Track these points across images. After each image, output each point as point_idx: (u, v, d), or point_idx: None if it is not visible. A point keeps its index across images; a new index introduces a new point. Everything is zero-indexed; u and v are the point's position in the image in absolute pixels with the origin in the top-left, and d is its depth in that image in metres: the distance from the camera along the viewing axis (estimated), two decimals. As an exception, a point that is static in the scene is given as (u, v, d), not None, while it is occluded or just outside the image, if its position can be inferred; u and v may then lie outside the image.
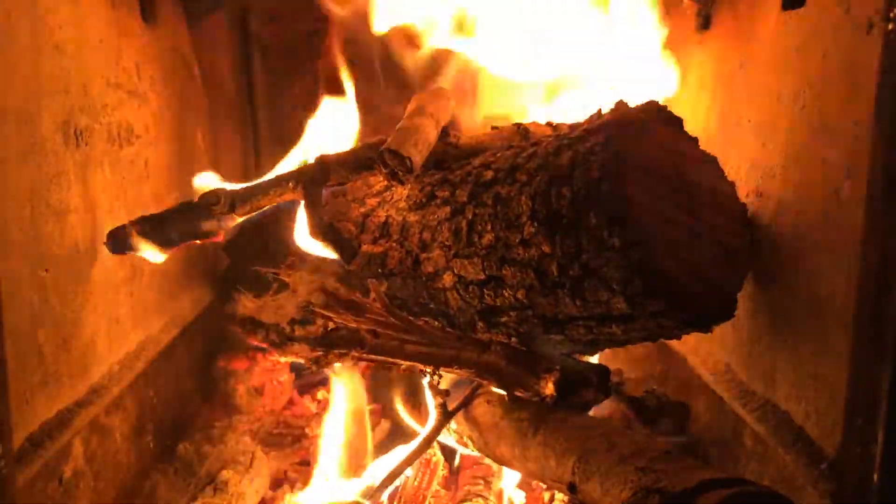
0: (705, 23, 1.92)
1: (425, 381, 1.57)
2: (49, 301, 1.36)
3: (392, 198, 1.77)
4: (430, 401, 1.65)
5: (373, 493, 1.60)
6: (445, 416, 1.60)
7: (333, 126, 1.96)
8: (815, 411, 1.27)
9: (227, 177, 1.72)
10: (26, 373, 1.27)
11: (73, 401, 1.44)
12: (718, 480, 1.05)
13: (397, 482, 1.62)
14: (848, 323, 1.15)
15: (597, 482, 1.22)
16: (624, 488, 1.15)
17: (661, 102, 1.41)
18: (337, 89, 2.01)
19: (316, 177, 1.61)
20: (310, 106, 2.77)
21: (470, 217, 1.55)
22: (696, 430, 1.82)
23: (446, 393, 1.60)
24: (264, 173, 1.78)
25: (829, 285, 1.24)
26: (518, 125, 1.83)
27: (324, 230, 1.51)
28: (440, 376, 1.50)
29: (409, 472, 1.64)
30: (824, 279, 1.26)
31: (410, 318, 1.50)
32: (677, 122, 1.41)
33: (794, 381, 1.35)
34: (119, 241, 1.51)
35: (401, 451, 1.64)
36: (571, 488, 1.28)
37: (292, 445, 2.00)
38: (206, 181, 1.66)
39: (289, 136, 2.74)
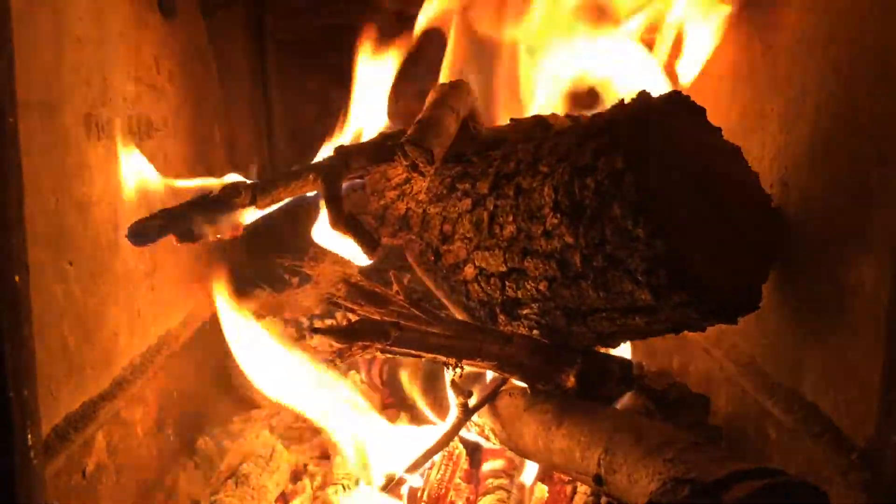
0: (725, 13, 1.90)
1: (448, 377, 1.57)
2: (73, 293, 1.36)
3: (411, 190, 1.76)
4: (451, 395, 1.65)
5: (391, 488, 1.60)
6: (466, 414, 1.59)
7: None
8: (843, 402, 1.26)
9: (241, 171, 1.73)
10: (51, 365, 1.27)
11: (96, 393, 1.45)
12: (749, 471, 1.04)
13: (417, 476, 1.62)
14: (879, 313, 1.14)
15: (624, 474, 1.21)
16: (652, 480, 1.14)
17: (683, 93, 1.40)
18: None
19: (335, 168, 1.61)
20: (323, 101, 2.79)
21: (491, 209, 1.54)
22: (718, 423, 1.80)
23: (469, 393, 1.60)
24: (279, 168, 1.78)
25: (858, 275, 1.23)
26: (537, 117, 1.82)
27: (345, 222, 1.50)
28: (462, 369, 1.50)
29: (433, 461, 1.64)
30: (853, 269, 1.24)
31: (433, 310, 1.49)
32: (700, 112, 1.40)
33: (822, 371, 1.34)
34: (140, 234, 1.50)
35: (420, 446, 1.64)
36: (598, 480, 1.27)
37: (311, 439, 1.99)
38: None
39: (303, 131, 2.76)
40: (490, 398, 1.60)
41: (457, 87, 1.76)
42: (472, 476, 1.74)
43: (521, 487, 1.67)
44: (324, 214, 1.59)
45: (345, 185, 1.65)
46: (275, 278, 1.88)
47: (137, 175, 1.64)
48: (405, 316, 1.41)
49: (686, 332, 1.61)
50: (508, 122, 1.84)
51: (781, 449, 1.44)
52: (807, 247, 1.42)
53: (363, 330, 1.37)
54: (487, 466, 1.74)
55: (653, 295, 1.28)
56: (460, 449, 1.73)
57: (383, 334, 1.36)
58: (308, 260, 1.79)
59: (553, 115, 1.84)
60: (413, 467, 1.59)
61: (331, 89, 2.78)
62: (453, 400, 1.61)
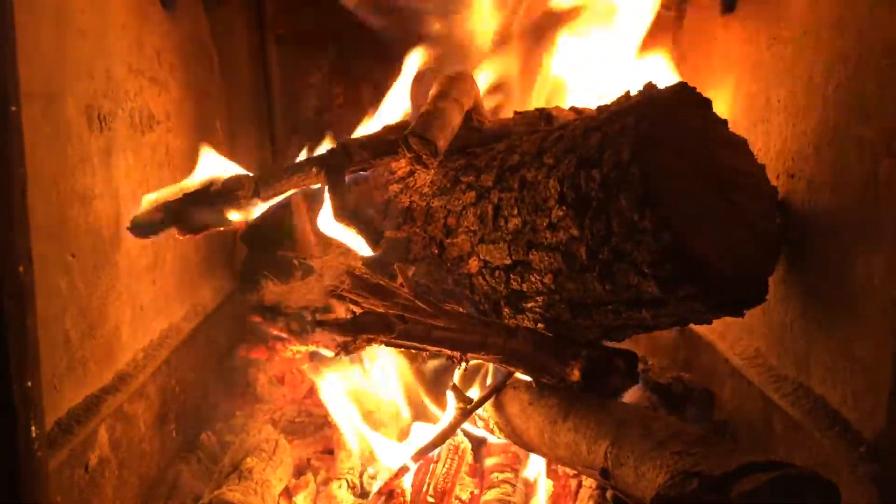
0: (730, 4, 1.89)
1: (455, 375, 1.57)
2: (76, 286, 1.35)
3: (415, 184, 1.75)
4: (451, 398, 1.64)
5: (388, 481, 1.60)
6: (463, 415, 1.58)
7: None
8: (851, 394, 1.25)
9: (243, 165, 1.72)
10: (54, 358, 1.27)
11: (99, 387, 1.44)
12: (759, 464, 1.04)
13: (410, 473, 1.62)
14: (888, 304, 1.13)
15: (631, 467, 1.20)
16: (660, 473, 1.13)
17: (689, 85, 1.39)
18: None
19: (339, 161, 1.60)
20: (325, 94, 2.78)
21: (496, 201, 1.53)
22: (722, 417, 1.80)
23: (468, 399, 1.59)
24: (280, 162, 1.76)
25: (866, 266, 1.22)
26: (541, 110, 1.81)
27: (348, 214, 1.49)
28: (467, 362, 1.49)
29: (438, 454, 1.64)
30: (861, 260, 1.24)
31: (437, 303, 1.48)
32: (706, 103, 1.39)
33: (829, 364, 1.33)
34: (143, 227, 1.50)
35: (419, 441, 1.64)
36: (604, 473, 1.26)
37: (314, 434, 1.99)
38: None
39: (304, 125, 2.75)
40: (488, 398, 1.60)
41: (461, 78, 1.75)
42: (478, 470, 1.73)
43: (527, 481, 1.66)
44: (328, 207, 1.58)
45: (348, 178, 1.64)
46: (279, 270, 1.87)
47: (139, 168, 1.63)
48: (409, 308, 1.40)
49: (691, 325, 1.61)
50: (512, 114, 1.84)
51: (788, 442, 1.44)
52: (813, 238, 1.41)
53: (367, 323, 1.36)
54: (492, 460, 1.73)
55: (659, 287, 1.27)
56: (465, 443, 1.73)
57: (388, 327, 1.35)
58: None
59: (556, 107, 1.83)
60: (402, 470, 1.59)
61: (332, 83, 2.78)
62: (452, 402, 1.61)
